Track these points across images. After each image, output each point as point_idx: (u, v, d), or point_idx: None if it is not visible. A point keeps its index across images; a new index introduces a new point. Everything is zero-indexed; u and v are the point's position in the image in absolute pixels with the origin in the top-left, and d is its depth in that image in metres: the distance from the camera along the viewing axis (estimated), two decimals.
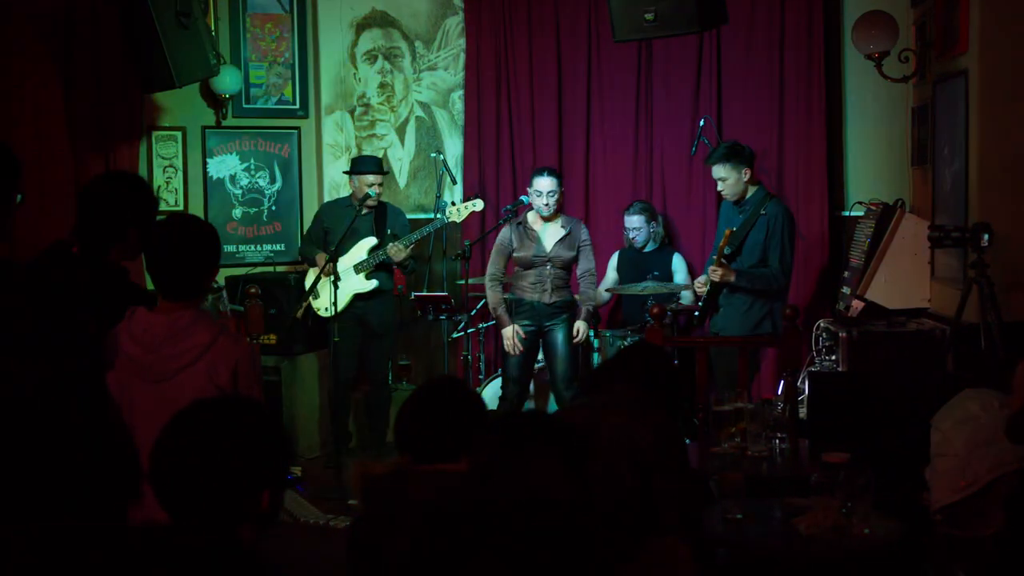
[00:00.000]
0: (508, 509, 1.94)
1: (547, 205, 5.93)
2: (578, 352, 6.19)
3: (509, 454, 2.07)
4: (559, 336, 6.03)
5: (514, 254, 6.01)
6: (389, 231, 6.46)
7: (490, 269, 6.08)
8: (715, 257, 5.72)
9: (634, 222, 6.65)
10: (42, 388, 2.77)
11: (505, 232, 6.06)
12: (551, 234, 6.01)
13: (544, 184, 5.94)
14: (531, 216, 6.05)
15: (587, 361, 6.47)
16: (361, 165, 6.52)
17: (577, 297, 6.14)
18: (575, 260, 6.07)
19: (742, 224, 5.77)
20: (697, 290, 6.00)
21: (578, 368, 6.18)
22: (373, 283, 6.42)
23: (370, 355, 6.58)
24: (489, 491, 2.01)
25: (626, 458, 3.17)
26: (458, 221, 6.46)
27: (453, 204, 6.46)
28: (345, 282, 6.29)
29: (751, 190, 5.81)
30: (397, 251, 6.28)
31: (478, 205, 6.41)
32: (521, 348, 5.95)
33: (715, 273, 5.67)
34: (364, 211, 6.38)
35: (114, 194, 3.23)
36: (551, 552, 1.91)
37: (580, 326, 6.07)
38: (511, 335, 5.94)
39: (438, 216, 6.54)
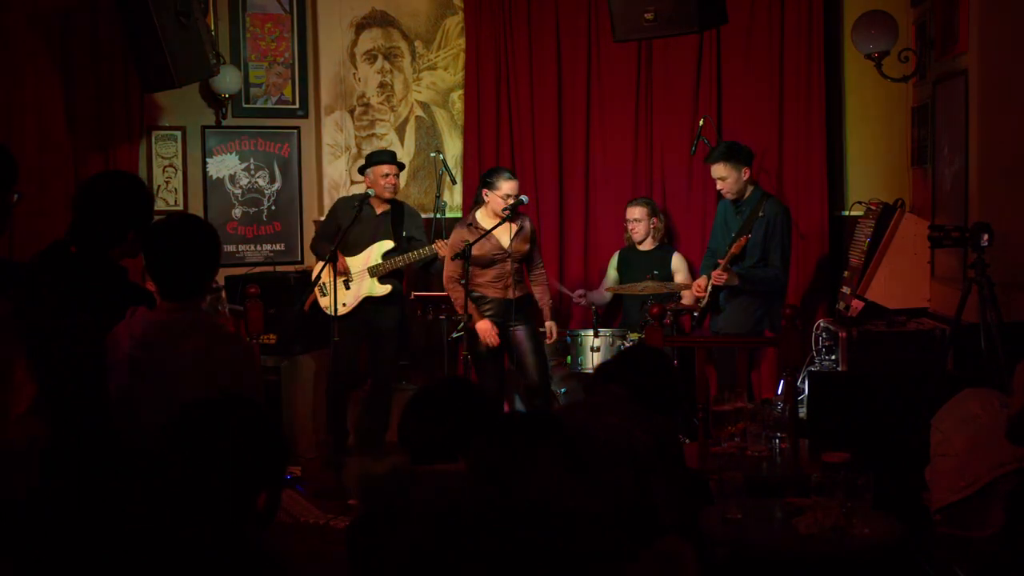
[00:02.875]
0: (512, 511, 1.94)
1: (512, 208, 5.98)
2: (544, 348, 6.23)
3: (514, 457, 2.07)
4: (525, 333, 6.06)
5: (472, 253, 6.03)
6: (405, 233, 6.39)
7: (448, 272, 6.06)
8: (720, 262, 5.75)
9: (635, 213, 6.68)
10: (42, 388, 2.77)
11: (458, 234, 6.07)
12: (503, 230, 6.05)
13: (514, 187, 6.00)
14: (479, 215, 6.07)
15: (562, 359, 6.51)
16: (374, 156, 6.38)
17: (536, 296, 6.22)
18: (528, 255, 6.15)
19: (741, 226, 5.79)
20: (696, 293, 6.02)
21: (548, 364, 6.22)
22: (387, 287, 6.32)
23: (377, 357, 6.47)
24: (493, 492, 2.01)
25: (624, 458, 3.18)
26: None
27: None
28: (358, 284, 6.24)
29: (749, 189, 5.86)
30: (393, 263, 6.22)
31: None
32: (497, 340, 5.97)
33: (720, 278, 5.71)
34: (362, 208, 6.28)
35: (113, 194, 3.23)
36: (554, 554, 1.91)
37: (552, 326, 6.21)
38: (488, 328, 5.95)
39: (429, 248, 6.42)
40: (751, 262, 5.77)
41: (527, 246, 6.12)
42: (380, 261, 6.28)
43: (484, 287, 6.06)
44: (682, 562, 2.37)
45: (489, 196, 6.00)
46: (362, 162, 6.60)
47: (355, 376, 6.62)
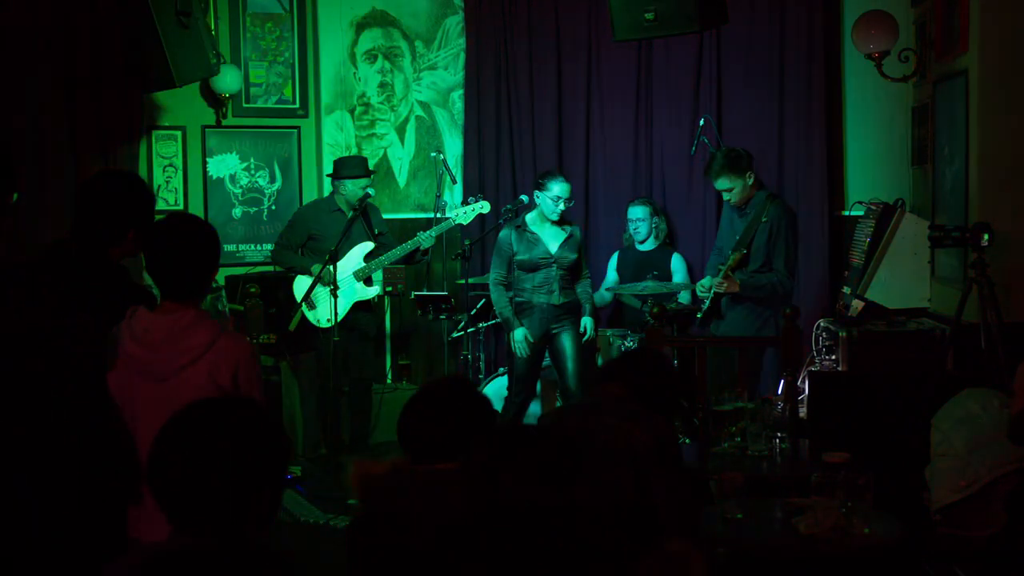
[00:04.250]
0: (511, 511, 1.94)
1: (562, 211, 5.93)
2: (585, 352, 6.18)
3: (497, 460, 2.06)
4: (567, 338, 6.01)
5: (516, 257, 5.97)
6: (377, 231, 6.42)
7: (493, 274, 6.04)
8: (722, 269, 5.73)
9: (637, 213, 6.69)
10: (42, 388, 2.77)
11: (505, 235, 6.02)
12: (552, 235, 6.01)
13: (565, 190, 5.94)
14: (530, 218, 6.03)
15: (592, 361, 6.47)
16: (355, 168, 6.41)
17: (578, 295, 6.16)
18: (576, 264, 6.07)
19: (745, 230, 5.76)
20: (699, 294, 6.00)
21: (588, 368, 6.17)
22: (375, 290, 6.35)
23: (359, 358, 6.53)
24: (492, 493, 2.01)
25: (624, 458, 3.17)
26: (464, 224, 6.44)
27: (465, 203, 6.42)
28: (346, 290, 6.24)
29: (754, 192, 5.82)
30: (428, 238, 6.25)
31: (485, 207, 6.39)
32: (527, 351, 5.95)
33: (721, 286, 5.69)
34: (356, 214, 6.30)
35: (113, 194, 3.23)
36: (554, 554, 1.91)
37: (587, 323, 6.13)
38: (521, 338, 5.92)
39: (450, 216, 6.47)
40: (755, 266, 5.74)
41: (575, 255, 6.05)
42: (364, 264, 6.29)
43: (530, 292, 5.99)
44: (690, 566, 2.37)
45: (540, 198, 5.97)
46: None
47: (343, 378, 6.65)
